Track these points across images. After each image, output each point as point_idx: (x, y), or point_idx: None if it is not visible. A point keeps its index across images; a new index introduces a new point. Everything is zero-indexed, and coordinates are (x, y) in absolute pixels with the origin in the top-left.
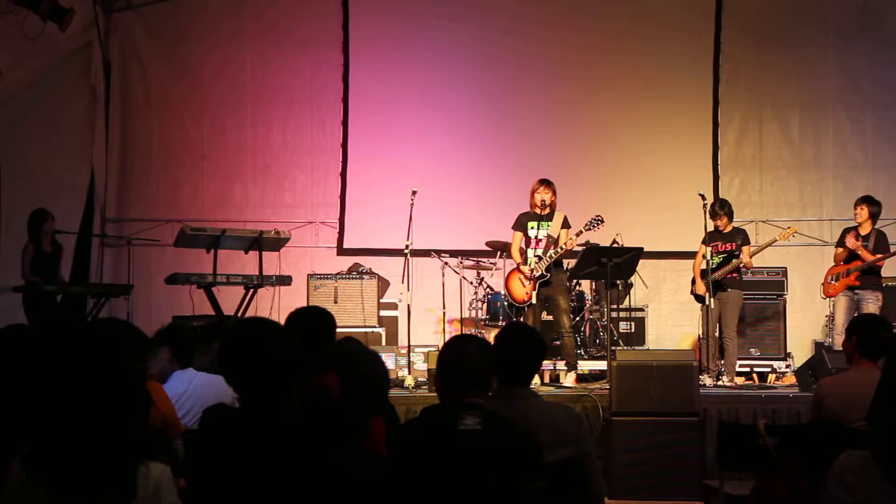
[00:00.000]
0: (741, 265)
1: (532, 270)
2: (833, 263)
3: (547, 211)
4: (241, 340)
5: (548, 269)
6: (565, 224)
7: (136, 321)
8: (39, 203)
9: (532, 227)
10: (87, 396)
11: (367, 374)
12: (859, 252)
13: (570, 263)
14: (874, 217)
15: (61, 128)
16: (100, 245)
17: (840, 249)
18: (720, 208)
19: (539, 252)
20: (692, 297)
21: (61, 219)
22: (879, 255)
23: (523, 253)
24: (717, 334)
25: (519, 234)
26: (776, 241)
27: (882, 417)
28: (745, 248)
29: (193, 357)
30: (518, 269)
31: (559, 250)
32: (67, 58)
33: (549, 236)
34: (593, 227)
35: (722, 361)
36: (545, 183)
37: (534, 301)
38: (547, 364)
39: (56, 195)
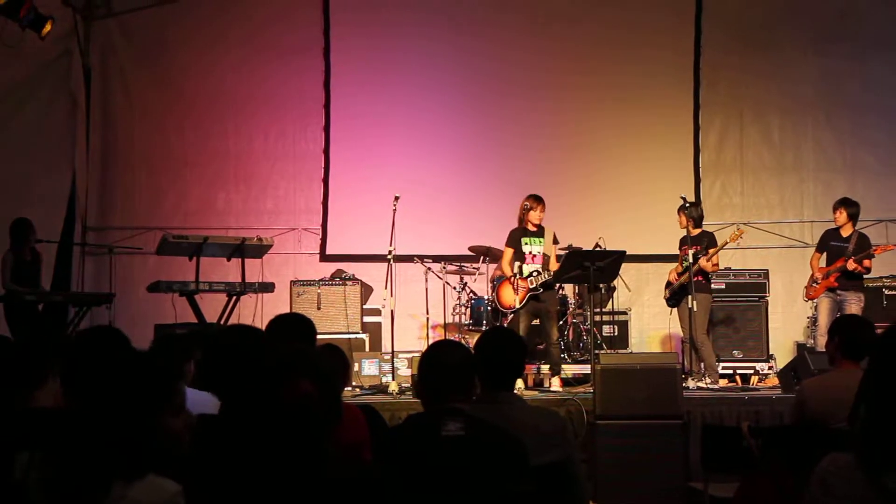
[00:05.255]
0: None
1: (530, 282)
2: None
3: (537, 227)
4: (226, 345)
5: (542, 285)
6: (555, 240)
7: None
8: (19, 212)
9: (526, 244)
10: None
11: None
12: (857, 270)
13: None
14: (853, 218)
15: (41, 136)
16: (81, 254)
17: (818, 253)
18: (681, 209)
19: (538, 267)
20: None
21: (42, 227)
22: (861, 256)
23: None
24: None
25: (511, 250)
26: (727, 243)
27: (863, 417)
28: (709, 251)
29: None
30: (510, 281)
31: (550, 272)
32: (47, 66)
33: (543, 253)
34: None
35: (701, 364)
36: (540, 201)
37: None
38: (531, 368)
39: (36, 204)
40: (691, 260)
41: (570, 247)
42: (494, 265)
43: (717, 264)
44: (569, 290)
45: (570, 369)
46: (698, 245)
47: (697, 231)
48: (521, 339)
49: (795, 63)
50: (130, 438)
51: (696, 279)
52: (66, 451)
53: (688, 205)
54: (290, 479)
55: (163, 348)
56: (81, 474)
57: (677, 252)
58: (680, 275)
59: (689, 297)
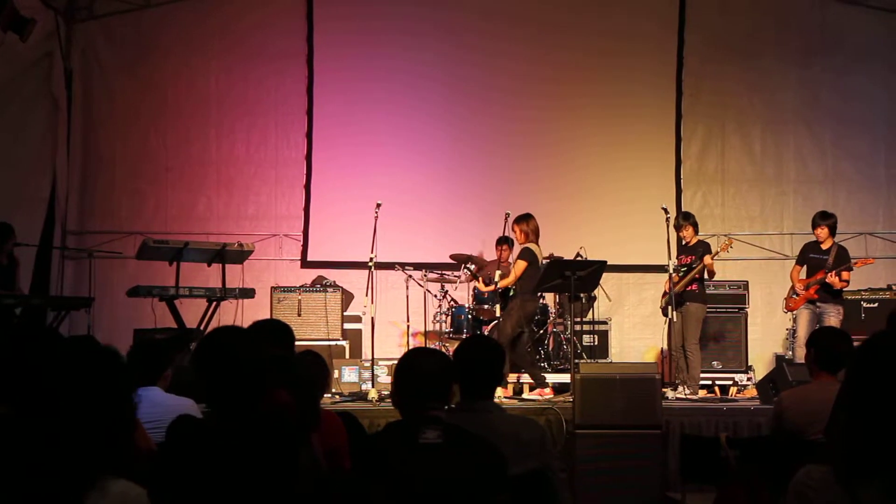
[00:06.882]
0: (700, 275)
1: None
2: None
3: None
4: (216, 345)
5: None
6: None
7: (97, 334)
8: None
9: None
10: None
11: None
12: (834, 284)
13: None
14: (832, 229)
15: (21, 138)
16: (60, 257)
17: (798, 266)
18: (684, 219)
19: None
20: (658, 310)
21: (21, 230)
22: (840, 269)
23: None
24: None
25: None
26: (717, 253)
27: (839, 431)
28: (705, 259)
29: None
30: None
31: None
32: (28, 68)
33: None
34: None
35: (684, 374)
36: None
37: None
38: (510, 378)
39: (16, 206)
40: (671, 269)
41: (551, 256)
42: None
43: (713, 271)
44: (549, 299)
45: (549, 378)
46: (693, 254)
47: (695, 240)
48: (500, 348)
49: (777, 74)
50: (89, 441)
51: (690, 288)
52: (25, 466)
53: (689, 214)
54: (266, 487)
55: (141, 353)
56: (43, 492)
57: (658, 262)
58: (676, 284)
59: (670, 307)
